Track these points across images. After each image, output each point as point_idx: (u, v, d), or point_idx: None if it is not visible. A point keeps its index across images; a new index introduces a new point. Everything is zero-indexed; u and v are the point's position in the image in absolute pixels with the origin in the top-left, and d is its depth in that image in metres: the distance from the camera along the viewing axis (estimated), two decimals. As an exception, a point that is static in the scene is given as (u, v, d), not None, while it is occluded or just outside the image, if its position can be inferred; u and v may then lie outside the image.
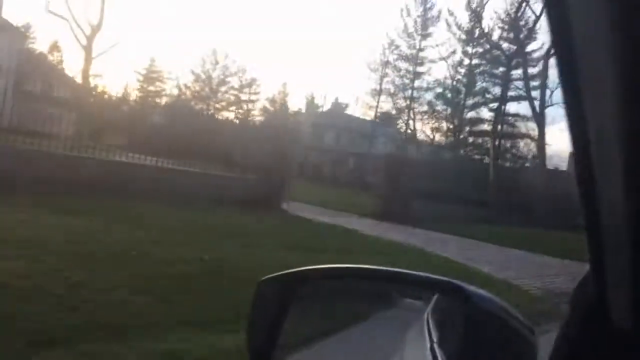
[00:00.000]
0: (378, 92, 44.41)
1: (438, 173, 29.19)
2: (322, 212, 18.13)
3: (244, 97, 72.79)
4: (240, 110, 73.02)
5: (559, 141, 44.88)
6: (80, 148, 13.15)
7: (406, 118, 44.01)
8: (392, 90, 43.99)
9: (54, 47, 44.50)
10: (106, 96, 45.14)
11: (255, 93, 72.38)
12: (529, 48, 39.83)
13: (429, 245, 12.68)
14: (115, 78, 79.34)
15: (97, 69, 78.72)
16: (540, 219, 23.56)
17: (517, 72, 38.54)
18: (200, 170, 14.54)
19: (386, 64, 43.80)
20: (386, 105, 44.84)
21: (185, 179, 14.15)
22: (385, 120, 45.27)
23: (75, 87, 42.89)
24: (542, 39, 38.74)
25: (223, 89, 71.07)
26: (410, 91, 43.24)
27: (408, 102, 43.48)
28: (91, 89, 43.33)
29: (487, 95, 42.28)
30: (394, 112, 44.73)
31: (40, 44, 42.77)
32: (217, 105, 69.67)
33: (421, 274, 1.28)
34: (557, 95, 38.54)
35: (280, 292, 1.26)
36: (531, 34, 38.09)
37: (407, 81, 43.33)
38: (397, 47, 43.80)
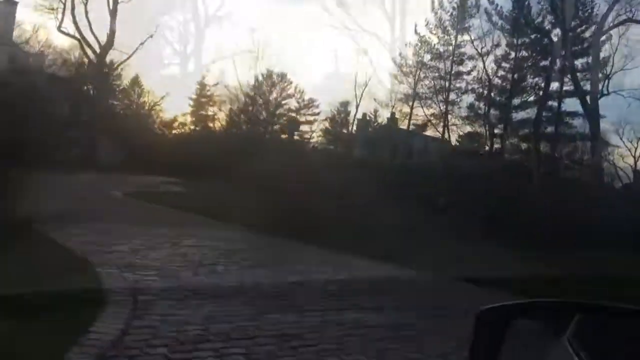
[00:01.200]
0: (412, 98, 38.72)
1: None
2: (175, 223, 13.39)
3: (302, 118, 69.54)
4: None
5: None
6: None
7: (443, 125, 37.82)
8: (425, 95, 38.08)
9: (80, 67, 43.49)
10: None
11: (315, 114, 68.79)
12: (581, 30, 32.86)
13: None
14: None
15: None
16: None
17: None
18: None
19: (419, 64, 38.14)
20: (421, 111, 39.00)
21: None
22: (420, 128, 39.60)
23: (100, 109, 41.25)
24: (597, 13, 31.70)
25: (280, 111, 68.25)
26: (446, 93, 37.13)
27: (444, 107, 37.38)
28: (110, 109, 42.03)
29: (540, 92, 35.22)
30: (429, 119, 38.74)
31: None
32: (275, 128, 66.79)
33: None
34: (617, 81, 31.14)
35: (499, 323, 1.32)
36: (577, 11, 31.17)
37: (443, 83, 37.30)
38: (430, 44, 38.03)
